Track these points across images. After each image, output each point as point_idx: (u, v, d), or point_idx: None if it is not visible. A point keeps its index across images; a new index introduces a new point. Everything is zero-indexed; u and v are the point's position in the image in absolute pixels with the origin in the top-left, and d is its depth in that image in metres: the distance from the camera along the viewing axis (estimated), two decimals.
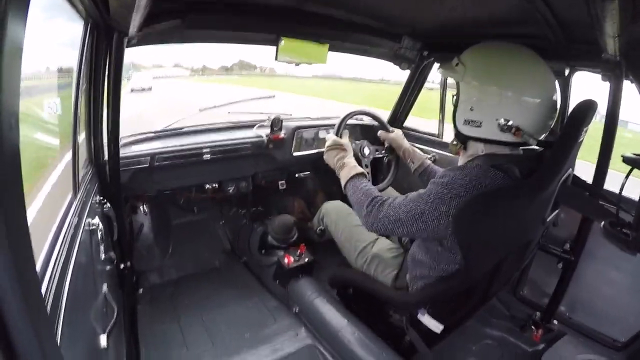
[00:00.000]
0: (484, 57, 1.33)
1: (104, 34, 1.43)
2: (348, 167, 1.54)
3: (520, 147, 1.30)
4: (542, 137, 1.28)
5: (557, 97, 1.27)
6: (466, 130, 1.33)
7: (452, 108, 1.40)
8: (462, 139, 1.39)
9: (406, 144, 1.94)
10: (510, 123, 1.21)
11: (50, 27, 1.11)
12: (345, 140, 1.67)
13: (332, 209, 2.04)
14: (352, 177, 1.50)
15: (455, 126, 1.39)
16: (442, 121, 2.67)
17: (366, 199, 1.38)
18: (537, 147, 1.32)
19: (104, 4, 1.20)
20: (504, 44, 1.33)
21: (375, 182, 1.77)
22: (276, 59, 2.00)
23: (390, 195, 1.38)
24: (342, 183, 1.53)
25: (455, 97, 1.38)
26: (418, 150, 1.95)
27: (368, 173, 1.77)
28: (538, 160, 1.26)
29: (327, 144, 1.67)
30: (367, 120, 2.90)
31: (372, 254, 1.71)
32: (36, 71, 1.02)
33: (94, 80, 1.50)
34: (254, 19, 1.84)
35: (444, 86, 2.60)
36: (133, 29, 1.34)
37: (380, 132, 1.99)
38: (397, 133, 1.97)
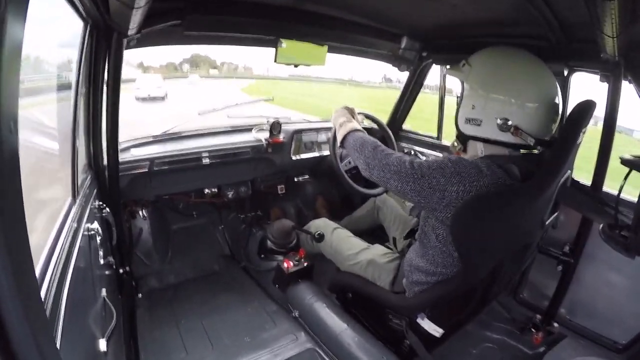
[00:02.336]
0: (489, 59, 1.34)
1: (104, 35, 1.43)
2: (353, 124, 1.54)
3: (520, 150, 1.31)
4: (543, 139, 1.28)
5: (559, 100, 1.28)
6: (467, 129, 1.35)
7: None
8: (462, 140, 1.40)
9: None
10: (509, 123, 1.22)
11: (50, 29, 1.11)
12: (358, 116, 1.68)
13: (318, 224, 2.07)
14: (356, 130, 1.50)
15: (457, 126, 1.40)
16: (440, 123, 2.67)
17: (374, 143, 1.39)
18: (535, 151, 1.32)
19: (104, 4, 1.20)
20: (511, 48, 1.35)
21: (373, 186, 1.78)
22: (275, 60, 2.00)
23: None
24: (342, 133, 1.51)
25: (459, 98, 1.39)
26: None
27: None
28: (537, 161, 1.26)
29: (343, 105, 1.67)
30: (367, 123, 2.90)
31: (366, 260, 1.71)
32: (36, 73, 1.02)
33: (93, 82, 1.50)
34: (253, 20, 1.84)
35: (442, 88, 2.60)
36: (132, 29, 1.34)
37: None
38: None
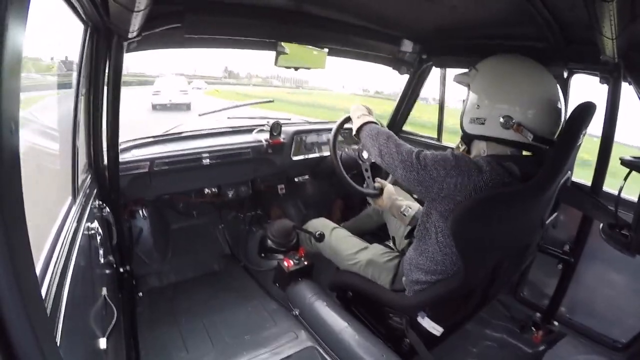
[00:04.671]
0: (496, 63, 1.39)
1: (104, 38, 1.43)
2: (370, 117, 1.62)
3: (522, 152, 1.33)
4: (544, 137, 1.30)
5: (560, 103, 1.31)
6: (471, 129, 1.38)
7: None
8: (467, 140, 1.43)
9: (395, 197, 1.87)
10: (513, 121, 1.25)
11: (51, 31, 1.12)
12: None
13: (317, 224, 2.07)
14: (372, 122, 1.59)
15: (462, 127, 1.44)
16: (440, 125, 2.67)
17: (388, 133, 1.47)
18: (539, 147, 1.33)
19: (104, 7, 1.21)
20: (516, 55, 1.38)
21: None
22: (276, 64, 2.01)
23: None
24: (359, 123, 1.59)
25: (464, 102, 1.44)
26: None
27: (368, 177, 1.79)
28: (538, 162, 1.27)
29: (360, 102, 1.73)
30: None
31: (365, 260, 1.72)
32: (37, 75, 1.02)
33: (93, 84, 1.51)
34: (253, 23, 1.85)
35: (442, 90, 2.60)
36: (133, 32, 1.35)
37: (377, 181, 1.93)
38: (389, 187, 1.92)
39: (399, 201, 1.81)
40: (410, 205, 1.81)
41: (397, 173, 1.36)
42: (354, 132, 1.62)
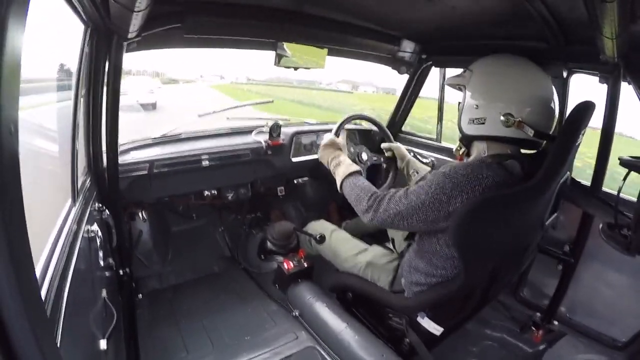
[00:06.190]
0: (490, 63, 1.38)
1: (104, 38, 1.43)
2: (344, 166, 1.56)
3: (521, 151, 1.33)
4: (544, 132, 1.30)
5: (554, 97, 1.32)
6: (471, 130, 1.37)
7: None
8: (466, 142, 1.42)
9: (409, 155, 1.95)
10: (514, 118, 1.25)
11: (51, 32, 1.12)
12: (341, 140, 1.70)
13: (316, 227, 2.07)
14: (348, 175, 1.52)
15: (460, 130, 1.42)
16: (440, 122, 2.67)
17: (365, 195, 1.40)
18: (537, 144, 1.34)
19: (105, 7, 1.20)
20: (509, 55, 1.38)
21: None
22: (275, 64, 2.01)
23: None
24: (339, 181, 1.55)
25: (460, 103, 1.42)
26: (420, 162, 1.95)
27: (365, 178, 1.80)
28: (539, 157, 1.27)
29: (322, 142, 1.69)
30: (365, 125, 2.91)
31: (365, 262, 1.71)
32: (36, 76, 1.02)
33: (93, 86, 1.50)
34: (253, 23, 1.85)
35: (442, 90, 2.60)
36: (133, 33, 1.35)
37: (383, 144, 1.99)
38: (399, 144, 1.98)
39: None
40: (418, 170, 1.82)
41: (396, 226, 1.34)
42: (339, 187, 1.57)
